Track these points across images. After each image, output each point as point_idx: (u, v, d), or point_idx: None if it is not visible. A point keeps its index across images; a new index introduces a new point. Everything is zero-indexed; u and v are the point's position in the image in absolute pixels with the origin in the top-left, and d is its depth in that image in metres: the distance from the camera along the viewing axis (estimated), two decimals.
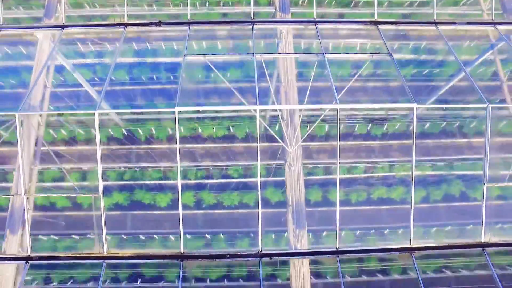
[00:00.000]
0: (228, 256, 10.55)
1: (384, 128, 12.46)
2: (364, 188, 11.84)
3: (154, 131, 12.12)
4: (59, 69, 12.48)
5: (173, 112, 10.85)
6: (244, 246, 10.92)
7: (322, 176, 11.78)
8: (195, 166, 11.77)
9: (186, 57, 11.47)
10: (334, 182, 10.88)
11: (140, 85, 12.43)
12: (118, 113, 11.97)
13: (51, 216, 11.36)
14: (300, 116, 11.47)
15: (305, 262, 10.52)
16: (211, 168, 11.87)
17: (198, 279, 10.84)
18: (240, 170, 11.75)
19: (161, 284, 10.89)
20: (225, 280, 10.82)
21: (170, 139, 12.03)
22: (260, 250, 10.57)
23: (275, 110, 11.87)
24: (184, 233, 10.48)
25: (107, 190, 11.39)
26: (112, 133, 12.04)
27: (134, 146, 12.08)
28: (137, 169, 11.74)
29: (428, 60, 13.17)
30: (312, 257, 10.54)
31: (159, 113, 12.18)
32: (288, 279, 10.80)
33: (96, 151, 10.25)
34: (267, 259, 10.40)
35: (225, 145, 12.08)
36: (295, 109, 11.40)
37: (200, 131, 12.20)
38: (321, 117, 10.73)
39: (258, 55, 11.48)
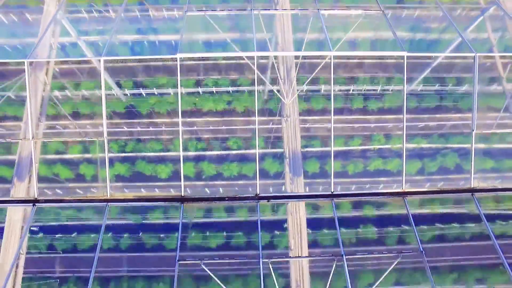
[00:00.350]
0: (226, 198, 10.86)
1: (381, 103, 12.77)
2: (361, 160, 12.11)
3: (155, 105, 12.44)
4: (63, 48, 12.82)
5: (175, 85, 11.19)
6: (243, 211, 11.16)
7: (319, 148, 12.04)
8: (196, 133, 12.02)
9: (187, 12, 11.99)
10: (332, 155, 11.20)
11: (142, 61, 12.74)
12: (120, 87, 12.29)
13: (55, 188, 11.62)
14: (296, 68, 11.67)
15: (301, 205, 10.77)
16: (211, 140, 12.15)
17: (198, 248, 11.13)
18: (239, 142, 12.02)
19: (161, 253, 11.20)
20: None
21: (171, 113, 12.32)
22: (258, 193, 10.87)
23: (274, 84, 12.17)
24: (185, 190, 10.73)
25: (110, 162, 11.65)
26: (114, 108, 12.34)
27: (136, 120, 12.38)
28: (140, 136, 12.00)
29: (423, 38, 13.51)
30: (308, 200, 10.80)
31: (160, 87, 12.49)
32: (287, 247, 11.06)
33: (97, 125, 10.54)
34: (264, 201, 10.66)
35: (225, 118, 12.37)
36: (292, 65, 11.71)
37: (201, 106, 12.53)
38: (320, 66, 10.94)
39: (256, 11, 11.99)
